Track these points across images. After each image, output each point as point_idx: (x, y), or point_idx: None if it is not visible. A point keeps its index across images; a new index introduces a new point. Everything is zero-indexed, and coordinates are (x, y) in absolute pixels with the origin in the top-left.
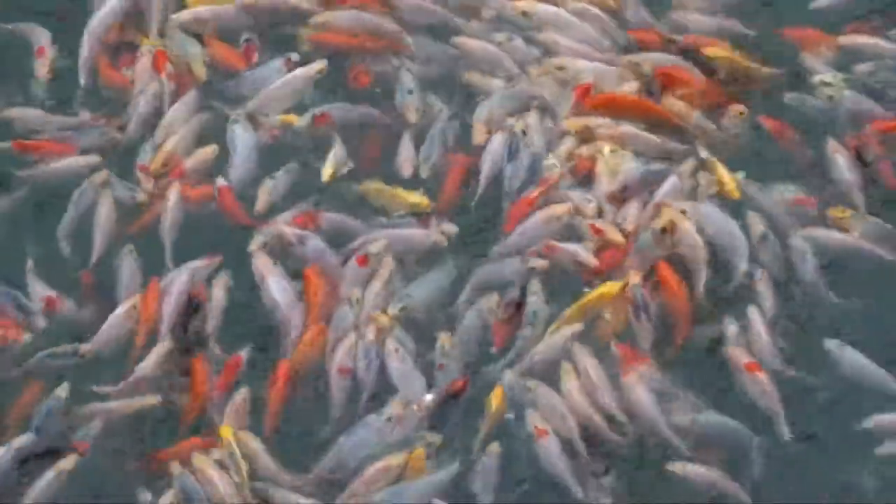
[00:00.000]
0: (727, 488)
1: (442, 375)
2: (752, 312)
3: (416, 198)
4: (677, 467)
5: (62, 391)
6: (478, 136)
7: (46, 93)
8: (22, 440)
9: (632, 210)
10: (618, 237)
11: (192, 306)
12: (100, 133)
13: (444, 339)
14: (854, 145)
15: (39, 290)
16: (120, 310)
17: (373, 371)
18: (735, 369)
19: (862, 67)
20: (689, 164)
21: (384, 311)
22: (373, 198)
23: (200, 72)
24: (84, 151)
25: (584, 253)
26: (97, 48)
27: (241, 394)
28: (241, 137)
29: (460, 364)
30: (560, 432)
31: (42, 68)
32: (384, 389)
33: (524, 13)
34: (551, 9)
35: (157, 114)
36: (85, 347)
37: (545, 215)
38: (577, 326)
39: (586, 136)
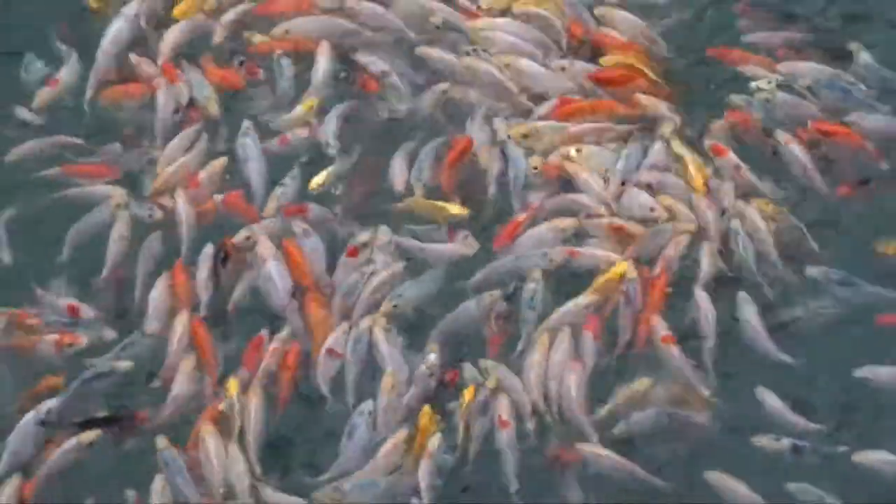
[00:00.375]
0: (637, 474)
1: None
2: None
3: (456, 209)
4: (585, 447)
5: (124, 365)
6: (484, 158)
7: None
8: (51, 403)
9: (643, 199)
10: (638, 229)
11: (221, 258)
12: (141, 153)
13: (433, 348)
14: (806, 137)
15: (61, 300)
16: (155, 290)
17: (359, 353)
18: (655, 342)
19: (802, 82)
20: (666, 126)
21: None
22: (416, 211)
23: (214, 110)
24: (126, 173)
25: (613, 256)
26: (109, 67)
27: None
28: (252, 148)
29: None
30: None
31: (42, 98)
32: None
33: (479, 28)
34: (503, 21)
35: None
36: (150, 327)
37: (551, 227)
38: (593, 298)
39: (535, 142)
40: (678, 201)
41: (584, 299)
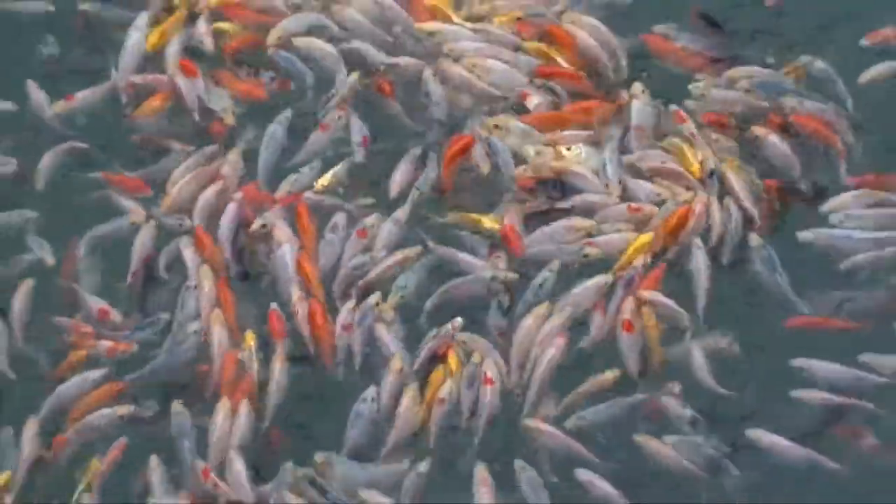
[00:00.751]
0: (576, 449)
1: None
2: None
3: (489, 222)
4: (530, 423)
5: (194, 326)
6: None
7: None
8: (97, 374)
9: (648, 188)
10: (653, 209)
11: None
12: (180, 154)
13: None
14: (779, 122)
15: (93, 303)
16: (185, 250)
17: (366, 326)
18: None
19: (741, 84)
20: (635, 87)
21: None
22: (455, 223)
23: (230, 120)
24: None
25: (632, 235)
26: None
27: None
28: (274, 137)
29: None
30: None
31: (59, 107)
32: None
33: (430, 33)
34: (455, 28)
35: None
36: (191, 283)
37: (567, 225)
38: (608, 277)
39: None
40: (674, 182)
41: (607, 278)
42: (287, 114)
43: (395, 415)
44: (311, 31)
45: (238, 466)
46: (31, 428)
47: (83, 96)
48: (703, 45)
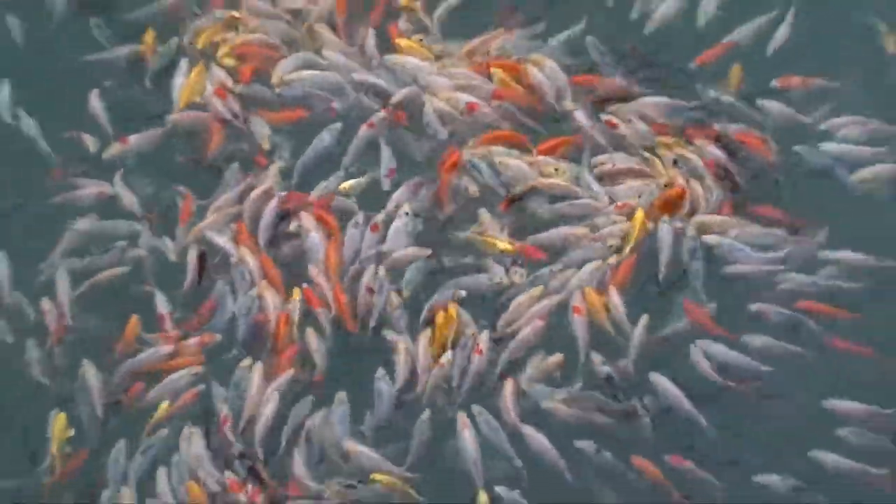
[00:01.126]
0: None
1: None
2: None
3: (503, 244)
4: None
5: (254, 292)
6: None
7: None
8: (167, 349)
9: (626, 189)
10: (637, 201)
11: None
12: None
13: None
14: (715, 135)
15: (161, 306)
16: (224, 240)
17: (383, 295)
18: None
19: (651, 111)
20: (568, 105)
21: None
22: (471, 242)
23: (267, 144)
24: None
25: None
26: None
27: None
28: (321, 141)
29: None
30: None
31: (114, 150)
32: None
33: (395, 64)
34: (415, 62)
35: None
36: (234, 259)
37: (568, 233)
38: (607, 263)
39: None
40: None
41: (604, 263)
42: (338, 125)
43: (417, 358)
44: (306, 67)
45: (261, 424)
46: (94, 372)
47: (136, 139)
48: (627, 79)
